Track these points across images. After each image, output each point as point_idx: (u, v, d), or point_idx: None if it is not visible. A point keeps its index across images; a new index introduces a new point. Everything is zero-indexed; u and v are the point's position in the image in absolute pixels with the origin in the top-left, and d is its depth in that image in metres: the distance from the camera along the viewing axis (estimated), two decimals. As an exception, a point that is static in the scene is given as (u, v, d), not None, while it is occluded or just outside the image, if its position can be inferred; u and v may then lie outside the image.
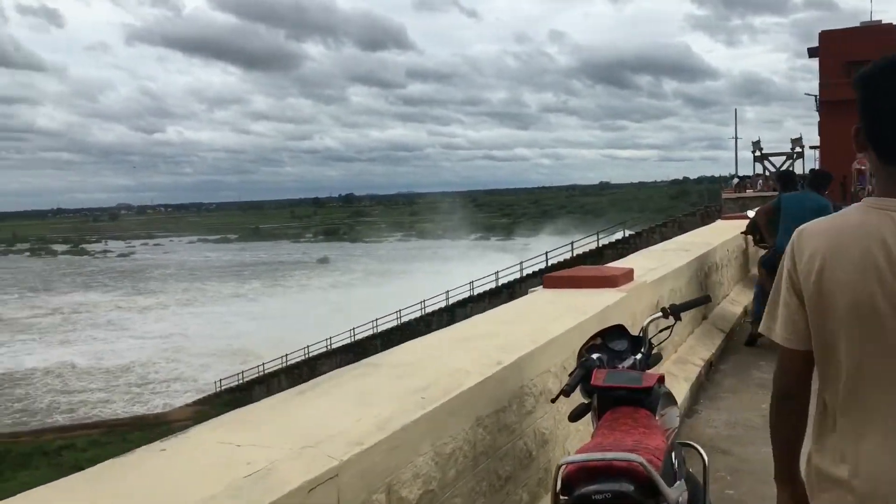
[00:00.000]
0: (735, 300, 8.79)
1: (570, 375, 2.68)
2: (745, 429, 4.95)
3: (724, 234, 9.40)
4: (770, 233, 7.16)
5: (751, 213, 8.04)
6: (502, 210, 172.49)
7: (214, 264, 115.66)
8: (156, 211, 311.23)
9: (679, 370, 5.54)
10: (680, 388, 5.16)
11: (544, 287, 4.90)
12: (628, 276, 5.00)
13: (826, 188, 7.09)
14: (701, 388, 5.74)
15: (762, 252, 7.61)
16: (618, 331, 2.96)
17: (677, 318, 3.23)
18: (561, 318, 3.76)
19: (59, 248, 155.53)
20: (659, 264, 6.12)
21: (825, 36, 53.73)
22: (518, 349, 3.15)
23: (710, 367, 6.29)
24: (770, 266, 6.86)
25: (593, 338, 2.93)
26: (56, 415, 43.44)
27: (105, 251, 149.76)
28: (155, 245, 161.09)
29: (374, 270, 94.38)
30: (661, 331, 3.18)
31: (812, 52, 55.41)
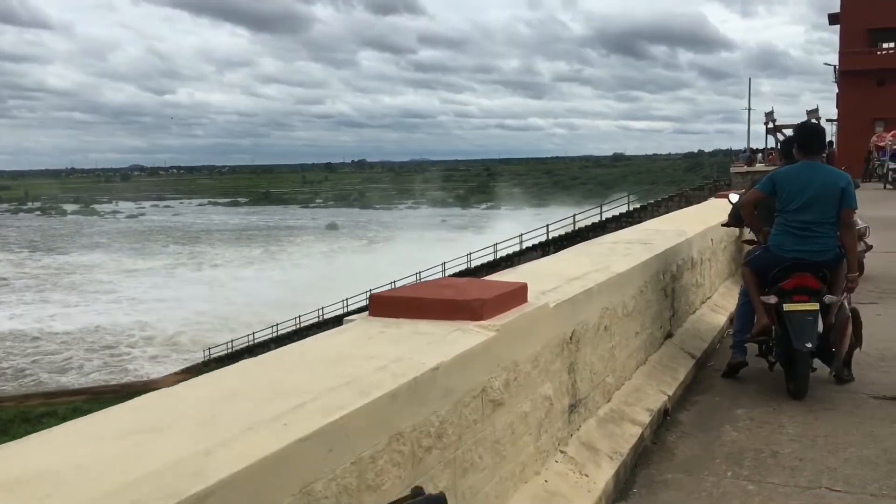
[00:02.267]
0: (719, 306, 6.80)
1: None
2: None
3: (710, 217, 7.43)
4: (760, 224, 5.27)
5: (734, 197, 5.87)
6: (514, 179, 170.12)
7: (220, 228, 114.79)
8: (168, 173, 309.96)
9: (604, 438, 3.61)
10: (598, 475, 3.28)
11: (370, 314, 3.02)
12: (516, 296, 3.10)
13: (821, 151, 5.06)
14: (641, 460, 3.82)
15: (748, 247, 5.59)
16: None
17: None
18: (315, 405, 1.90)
19: (69, 207, 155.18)
20: (592, 268, 4.19)
21: (847, 2, 50.88)
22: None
23: (665, 418, 4.37)
24: (758, 266, 4.94)
25: None
26: (43, 377, 42.34)
27: (115, 212, 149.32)
28: (165, 207, 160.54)
29: (380, 238, 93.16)
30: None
31: (832, 19, 52.63)
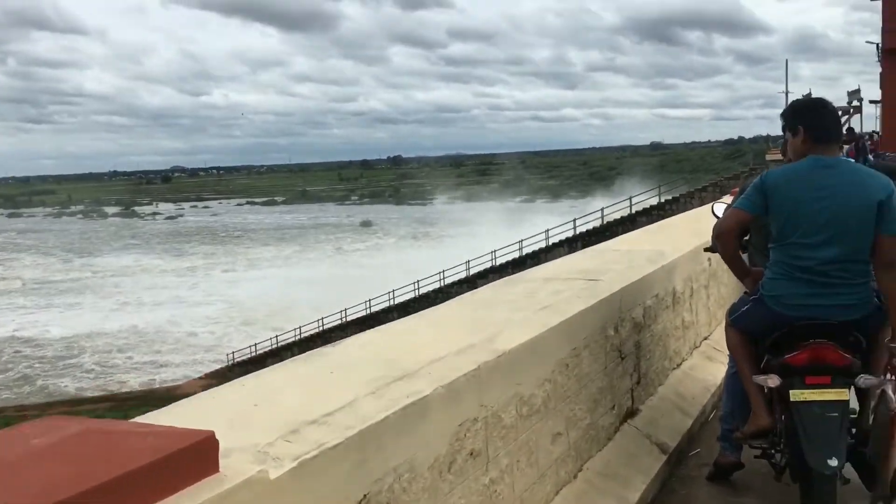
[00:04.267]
0: (719, 349, 4.88)
1: None
2: None
3: (709, 227, 5.61)
4: (752, 261, 3.53)
5: (720, 209, 3.71)
6: (550, 172, 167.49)
7: (256, 227, 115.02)
8: (208, 173, 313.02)
9: None
10: None
11: None
12: (185, 463, 1.46)
13: (839, 139, 3.11)
14: None
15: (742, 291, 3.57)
16: None
17: None
18: None
19: (110, 210, 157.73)
20: (461, 345, 2.51)
21: (891, -27, 47.67)
22: None
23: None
24: (750, 328, 3.18)
25: None
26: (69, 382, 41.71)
27: (154, 213, 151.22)
28: (204, 208, 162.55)
29: (413, 234, 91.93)
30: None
31: (874, -7, 49.39)
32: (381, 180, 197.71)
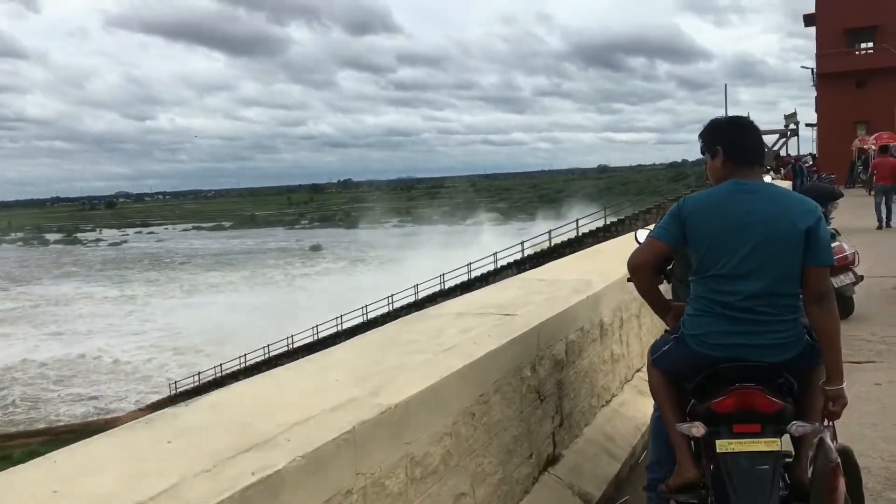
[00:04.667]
0: (647, 389, 4.61)
1: None
2: None
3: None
4: (673, 295, 3.28)
5: (643, 234, 3.39)
6: (500, 195, 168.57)
7: (202, 252, 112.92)
8: (154, 199, 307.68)
9: None
10: None
11: None
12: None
13: (759, 160, 2.71)
14: None
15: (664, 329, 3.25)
16: None
17: None
18: None
19: (52, 237, 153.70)
20: (342, 400, 2.16)
21: (822, 1, 49.21)
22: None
23: None
24: (667, 366, 2.87)
25: None
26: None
27: (98, 239, 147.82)
28: (149, 233, 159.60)
29: (364, 258, 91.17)
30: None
31: (808, 20, 50.97)
32: (331, 204, 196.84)
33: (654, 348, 2.98)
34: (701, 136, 2.90)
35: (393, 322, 3.34)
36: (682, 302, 2.87)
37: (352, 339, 3.01)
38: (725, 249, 2.62)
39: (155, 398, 40.52)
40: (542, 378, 3.25)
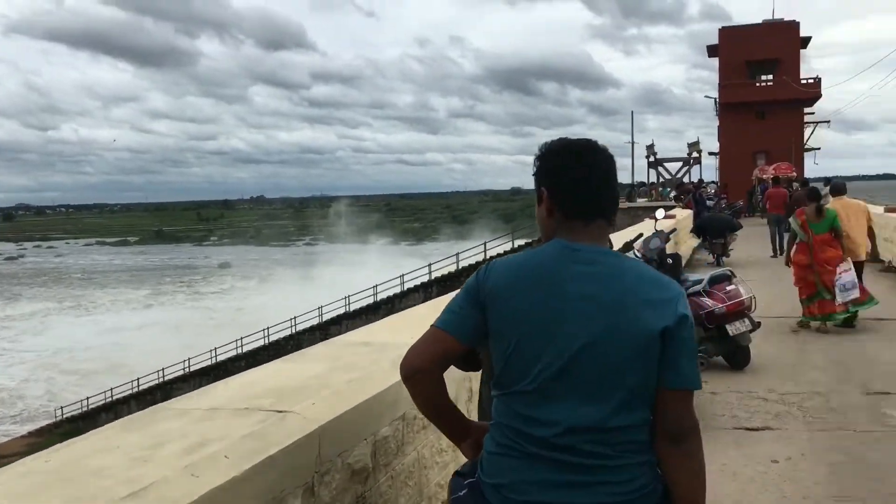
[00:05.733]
0: None
1: None
2: None
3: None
4: (483, 401, 2.47)
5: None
6: (415, 214, 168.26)
7: (104, 269, 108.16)
8: (56, 212, 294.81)
9: None
10: None
11: None
12: None
13: (600, 211, 1.74)
14: None
15: None
16: None
17: None
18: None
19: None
20: None
21: (725, 34, 50.98)
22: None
23: None
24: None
25: None
26: None
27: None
28: (48, 248, 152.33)
29: (273, 276, 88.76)
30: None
31: (711, 51, 52.58)
32: (242, 221, 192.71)
33: (451, 488, 1.98)
34: (536, 160, 1.89)
35: (80, 437, 2.24)
36: (489, 420, 1.90)
37: (25, 459, 2.03)
38: (538, 353, 1.69)
39: (41, 424, 37.93)
40: (328, 500, 2.34)
